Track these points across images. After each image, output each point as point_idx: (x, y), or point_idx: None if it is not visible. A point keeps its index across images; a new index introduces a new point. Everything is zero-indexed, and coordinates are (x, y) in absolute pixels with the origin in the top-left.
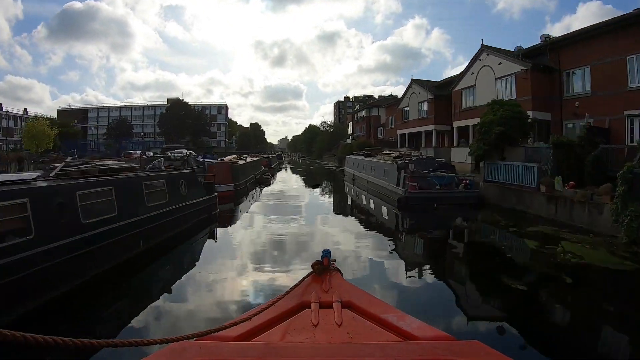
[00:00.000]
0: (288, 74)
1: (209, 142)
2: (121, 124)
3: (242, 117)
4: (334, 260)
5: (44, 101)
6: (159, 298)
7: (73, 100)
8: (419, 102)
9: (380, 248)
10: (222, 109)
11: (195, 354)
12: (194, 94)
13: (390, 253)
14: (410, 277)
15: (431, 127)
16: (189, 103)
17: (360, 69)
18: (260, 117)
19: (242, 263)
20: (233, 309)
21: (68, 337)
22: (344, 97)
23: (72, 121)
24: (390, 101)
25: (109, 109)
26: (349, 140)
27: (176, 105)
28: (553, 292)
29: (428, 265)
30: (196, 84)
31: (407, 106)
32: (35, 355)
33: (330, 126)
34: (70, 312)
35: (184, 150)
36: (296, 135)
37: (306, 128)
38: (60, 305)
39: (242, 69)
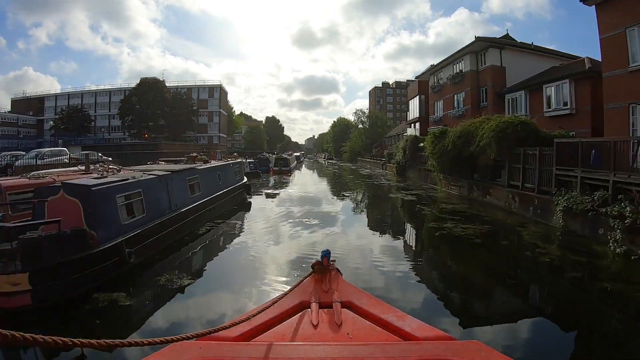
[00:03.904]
0: (320, 56)
1: (195, 138)
2: (74, 115)
3: (264, 112)
4: (334, 261)
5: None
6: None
7: None
8: None
9: None
10: (216, 91)
11: (196, 354)
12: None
13: None
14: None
15: None
16: (168, 84)
17: (417, 45)
18: (289, 115)
19: None
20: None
21: (68, 337)
22: (382, 83)
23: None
24: None
25: (68, 95)
26: (411, 131)
27: (145, 87)
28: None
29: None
30: (215, 74)
31: None
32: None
33: (367, 117)
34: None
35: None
36: (323, 133)
37: (334, 122)
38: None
39: (268, 55)
